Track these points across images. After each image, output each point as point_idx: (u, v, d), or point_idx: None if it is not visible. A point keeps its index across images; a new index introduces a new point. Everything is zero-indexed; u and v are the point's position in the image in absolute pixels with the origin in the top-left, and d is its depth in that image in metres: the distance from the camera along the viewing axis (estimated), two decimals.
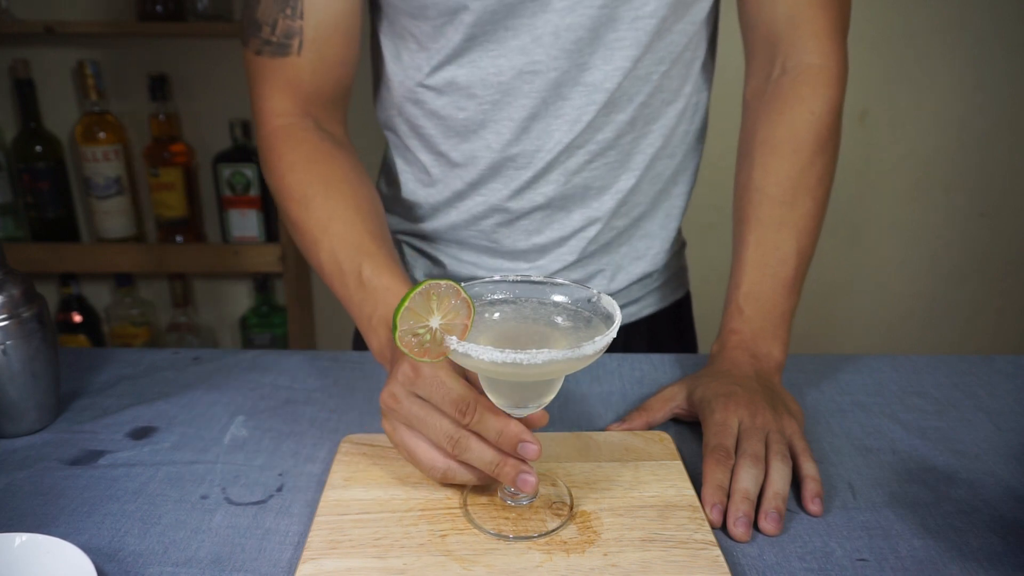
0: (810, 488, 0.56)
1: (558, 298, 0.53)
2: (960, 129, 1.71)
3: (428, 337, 0.47)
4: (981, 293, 1.86)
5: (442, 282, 0.48)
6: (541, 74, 0.72)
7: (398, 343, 0.47)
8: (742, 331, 0.69)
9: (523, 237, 0.82)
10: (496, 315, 0.52)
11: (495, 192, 0.79)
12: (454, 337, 0.46)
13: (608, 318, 0.49)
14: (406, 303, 0.47)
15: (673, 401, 0.66)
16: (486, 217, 0.81)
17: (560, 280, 0.53)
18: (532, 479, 0.51)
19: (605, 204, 0.80)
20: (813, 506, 0.55)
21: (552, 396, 0.51)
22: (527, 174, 0.77)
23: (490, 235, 0.82)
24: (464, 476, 0.53)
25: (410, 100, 0.78)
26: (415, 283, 0.49)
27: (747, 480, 0.55)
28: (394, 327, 0.47)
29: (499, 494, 0.55)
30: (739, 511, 0.53)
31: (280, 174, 0.71)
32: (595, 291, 0.51)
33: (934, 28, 1.64)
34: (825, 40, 0.73)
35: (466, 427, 0.51)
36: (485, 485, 0.55)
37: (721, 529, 0.54)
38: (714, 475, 0.56)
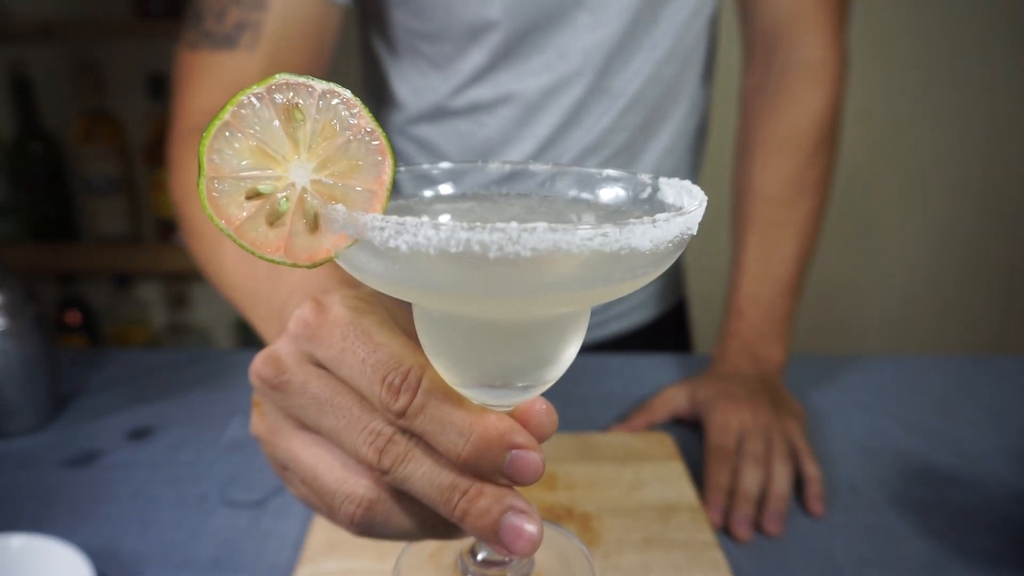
0: (812, 489, 0.56)
1: (580, 194, 0.31)
2: (962, 128, 1.71)
3: (284, 205, 0.24)
4: (984, 293, 1.86)
5: (317, 84, 0.24)
6: (567, 90, 0.72)
7: (204, 202, 0.24)
8: (743, 333, 0.69)
9: None
10: (449, 216, 0.30)
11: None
12: (340, 206, 0.23)
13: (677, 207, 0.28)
14: (225, 115, 0.24)
15: (674, 401, 0.66)
16: None
17: (586, 168, 0.32)
18: (532, 529, 0.28)
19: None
20: (815, 507, 0.55)
21: (561, 366, 0.29)
22: (538, 179, 0.77)
23: None
24: (400, 522, 0.31)
25: (425, 120, 0.76)
26: None
27: (749, 481, 0.55)
28: (200, 167, 0.24)
29: (459, 564, 0.33)
30: (741, 512, 0.53)
31: (191, 172, 0.56)
32: (647, 178, 0.31)
33: (936, 27, 1.63)
34: (826, 35, 0.73)
35: (400, 418, 0.28)
36: (440, 543, 0.36)
37: (723, 530, 0.54)
38: (716, 476, 0.56)
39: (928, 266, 1.84)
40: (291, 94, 0.23)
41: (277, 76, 0.24)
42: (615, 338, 0.88)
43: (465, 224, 0.21)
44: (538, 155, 0.75)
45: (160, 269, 1.68)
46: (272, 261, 0.24)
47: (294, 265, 0.25)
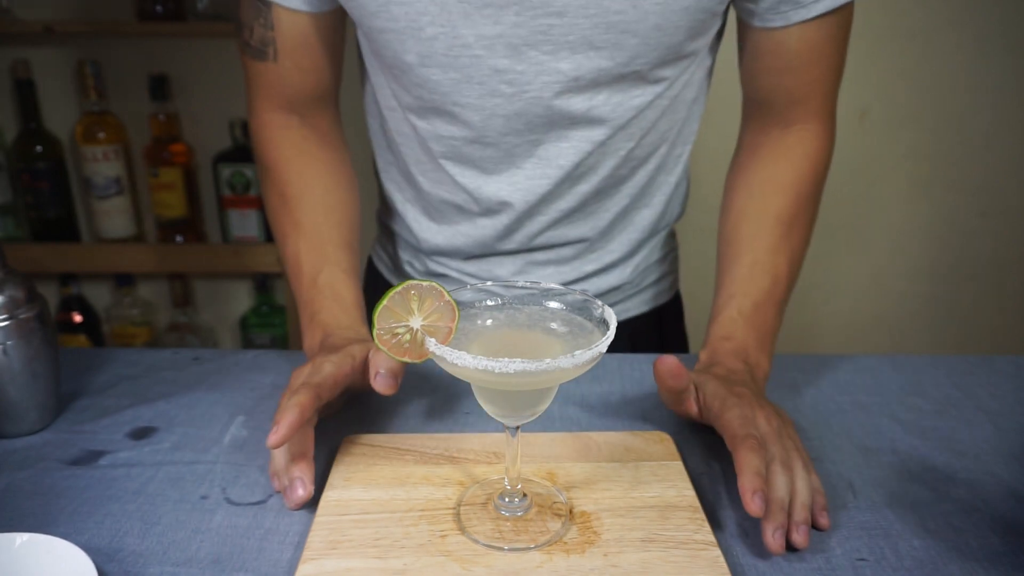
0: (817, 501, 0.54)
1: (555, 305, 0.52)
2: (961, 129, 1.71)
3: (408, 337, 0.47)
4: (982, 293, 1.86)
5: (424, 282, 0.47)
6: (492, 145, 0.74)
7: (375, 340, 0.47)
8: (736, 339, 0.68)
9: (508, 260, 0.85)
10: (490, 322, 0.51)
11: (482, 230, 0.82)
12: (433, 339, 0.45)
13: (604, 325, 0.48)
14: (385, 301, 0.47)
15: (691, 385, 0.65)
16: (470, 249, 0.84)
17: (559, 287, 0.52)
18: (300, 493, 0.54)
19: (568, 251, 0.84)
20: (821, 520, 0.54)
21: (545, 406, 0.50)
22: (502, 222, 0.80)
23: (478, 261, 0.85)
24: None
25: (386, 120, 0.81)
26: (388, 288, 0.49)
27: (782, 488, 0.52)
28: (371, 324, 0.47)
29: (493, 504, 0.53)
30: (777, 521, 0.51)
31: (268, 165, 0.77)
32: (598, 301, 0.50)
33: (935, 27, 1.63)
34: (821, 118, 0.75)
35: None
36: (481, 493, 0.55)
37: (738, 536, 0.54)
38: (750, 462, 0.52)
39: (923, 267, 1.84)
40: (412, 291, 0.47)
41: (408, 282, 0.47)
42: None
43: (484, 357, 0.43)
44: (479, 189, 0.78)
45: (161, 269, 1.68)
46: (404, 361, 0.48)
47: (412, 361, 0.48)
